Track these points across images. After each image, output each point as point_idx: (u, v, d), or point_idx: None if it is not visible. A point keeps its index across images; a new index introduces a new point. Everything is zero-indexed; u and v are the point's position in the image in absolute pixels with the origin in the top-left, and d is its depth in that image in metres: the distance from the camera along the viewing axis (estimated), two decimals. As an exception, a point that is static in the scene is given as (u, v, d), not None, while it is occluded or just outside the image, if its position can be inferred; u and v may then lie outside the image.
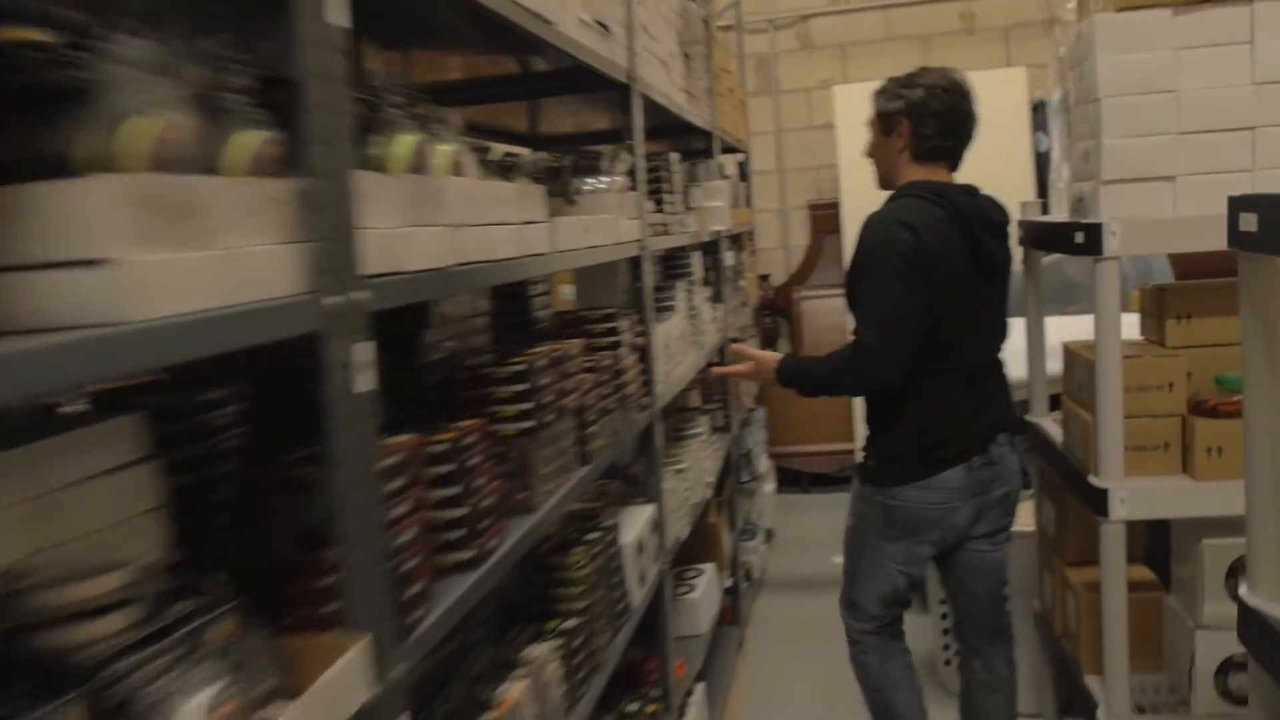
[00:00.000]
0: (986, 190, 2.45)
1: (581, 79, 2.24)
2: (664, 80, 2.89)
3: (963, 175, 2.48)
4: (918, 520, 2.39)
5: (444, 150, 1.30)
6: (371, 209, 1.07)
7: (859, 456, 2.60)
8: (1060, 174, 5.94)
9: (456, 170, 1.35)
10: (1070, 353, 2.54)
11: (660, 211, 2.80)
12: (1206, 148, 2.10)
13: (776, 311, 6.33)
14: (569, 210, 2.15)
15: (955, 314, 2.33)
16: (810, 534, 5.28)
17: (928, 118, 2.38)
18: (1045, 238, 2.73)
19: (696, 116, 3.44)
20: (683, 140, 4.04)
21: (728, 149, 5.01)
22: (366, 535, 1.03)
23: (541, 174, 2.19)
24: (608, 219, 2.15)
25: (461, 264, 1.31)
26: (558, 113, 3.11)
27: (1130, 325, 2.37)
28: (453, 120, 1.38)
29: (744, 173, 5.38)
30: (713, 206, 3.74)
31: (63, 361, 0.66)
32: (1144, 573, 2.52)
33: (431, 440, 1.34)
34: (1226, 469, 2.08)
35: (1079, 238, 2.19)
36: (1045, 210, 6.31)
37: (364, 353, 1.02)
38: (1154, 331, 2.38)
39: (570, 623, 1.92)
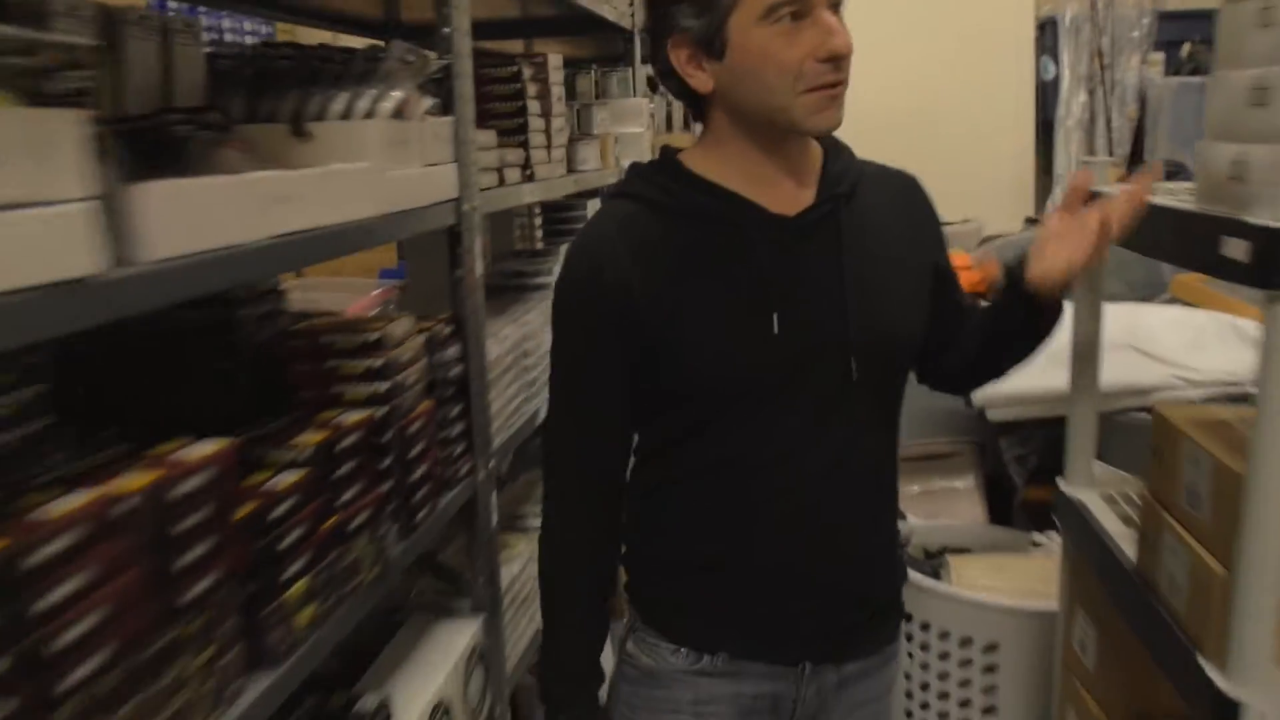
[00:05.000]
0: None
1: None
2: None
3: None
4: None
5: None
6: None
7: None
8: (1069, 108, 4.95)
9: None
10: (1170, 429, 1.51)
11: (515, 144, 1.76)
12: None
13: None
14: (292, 155, 1.11)
15: None
16: None
17: None
18: (1168, 240, 1.46)
19: (601, 2, 2.36)
20: (589, 41, 2.97)
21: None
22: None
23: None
24: (358, 172, 1.12)
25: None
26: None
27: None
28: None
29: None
30: (626, 133, 2.70)
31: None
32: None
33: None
34: None
35: (1236, 250, 1.22)
36: (1048, 148, 5.27)
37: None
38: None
39: None
